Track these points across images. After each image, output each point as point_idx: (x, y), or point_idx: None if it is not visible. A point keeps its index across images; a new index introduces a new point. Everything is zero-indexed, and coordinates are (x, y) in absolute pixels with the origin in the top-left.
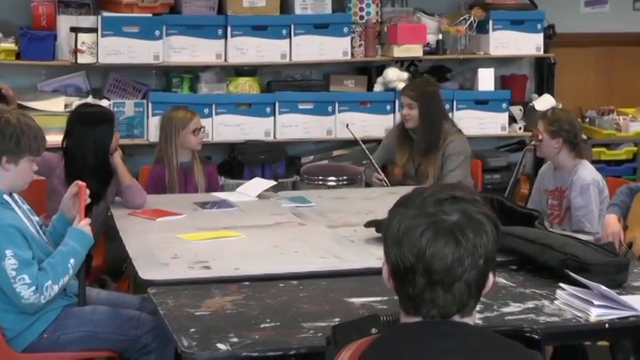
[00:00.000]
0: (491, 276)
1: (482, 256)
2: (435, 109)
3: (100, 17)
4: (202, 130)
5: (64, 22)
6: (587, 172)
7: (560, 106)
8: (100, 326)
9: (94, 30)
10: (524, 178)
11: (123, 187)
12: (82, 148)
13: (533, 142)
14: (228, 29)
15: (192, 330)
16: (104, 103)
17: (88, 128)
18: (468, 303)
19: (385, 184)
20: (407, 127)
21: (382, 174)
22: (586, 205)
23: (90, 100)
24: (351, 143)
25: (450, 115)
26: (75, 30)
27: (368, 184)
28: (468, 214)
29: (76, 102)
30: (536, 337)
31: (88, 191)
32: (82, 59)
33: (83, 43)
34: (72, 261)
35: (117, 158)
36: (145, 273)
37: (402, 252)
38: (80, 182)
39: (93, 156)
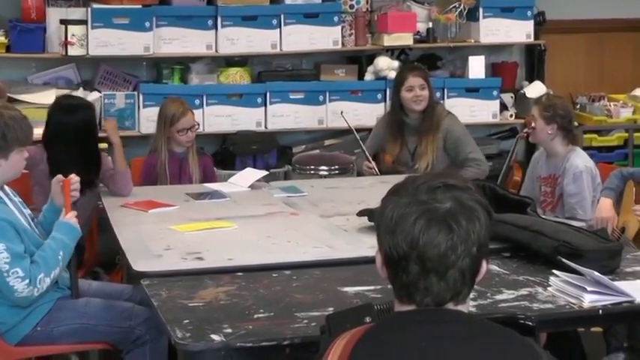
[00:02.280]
0: (484, 263)
1: (475, 244)
2: (434, 90)
3: (89, 9)
4: (195, 127)
5: (54, 14)
6: (580, 159)
7: (552, 92)
8: (94, 318)
9: (83, 22)
10: (517, 165)
11: (116, 172)
12: (64, 137)
13: (526, 130)
14: (219, 20)
15: (185, 321)
16: (95, 95)
17: (68, 117)
18: (461, 290)
19: (375, 173)
20: (418, 110)
21: (372, 162)
22: (579, 192)
23: (80, 92)
24: (343, 132)
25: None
26: (65, 22)
27: (360, 173)
28: (461, 202)
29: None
30: (531, 323)
31: (78, 185)
32: (72, 51)
33: (73, 35)
34: (61, 253)
35: (118, 139)
36: (138, 265)
37: (395, 240)
38: (68, 176)
39: (77, 144)
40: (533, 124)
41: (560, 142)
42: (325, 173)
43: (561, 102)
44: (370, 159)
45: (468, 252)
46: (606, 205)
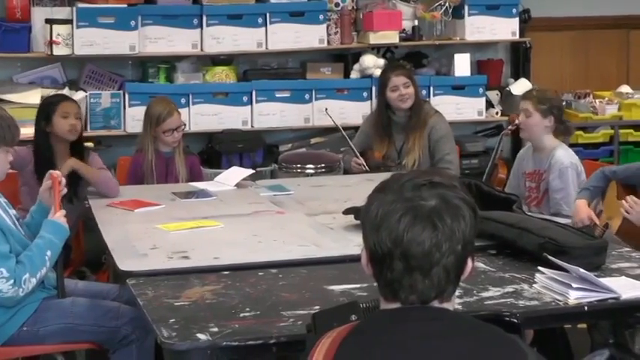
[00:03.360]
0: (469, 261)
1: (460, 242)
2: (419, 87)
3: (74, 8)
4: (181, 128)
5: (39, 13)
6: (566, 155)
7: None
8: (80, 318)
9: (69, 21)
10: (502, 162)
11: (93, 184)
12: (45, 138)
13: (510, 127)
14: (204, 18)
15: (171, 320)
16: (80, 94)
17: (46, 119)
18: (446, 288)
19: (364, 169)
20: (404, 108)
21: (361, 159)
22: (564, 188)
23: (66, 91)
24: (330, 130)
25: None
26: (50, 21)
27: (347, 171)
28: (446, 200)
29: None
30: (516, 321)
31: (64, 180)
32: (58, 51)
33: (58, 34)
34: (49, 253)
35: (73, 163)
36: (124, 264)
37: (380, 237)
38: (54, 173)
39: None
40: (517, 121)
41: (551, 135)
42: (311, 171)
43: (554, 94)
44: (358, 155)
45: (453, 250)
46: (580, 206)
